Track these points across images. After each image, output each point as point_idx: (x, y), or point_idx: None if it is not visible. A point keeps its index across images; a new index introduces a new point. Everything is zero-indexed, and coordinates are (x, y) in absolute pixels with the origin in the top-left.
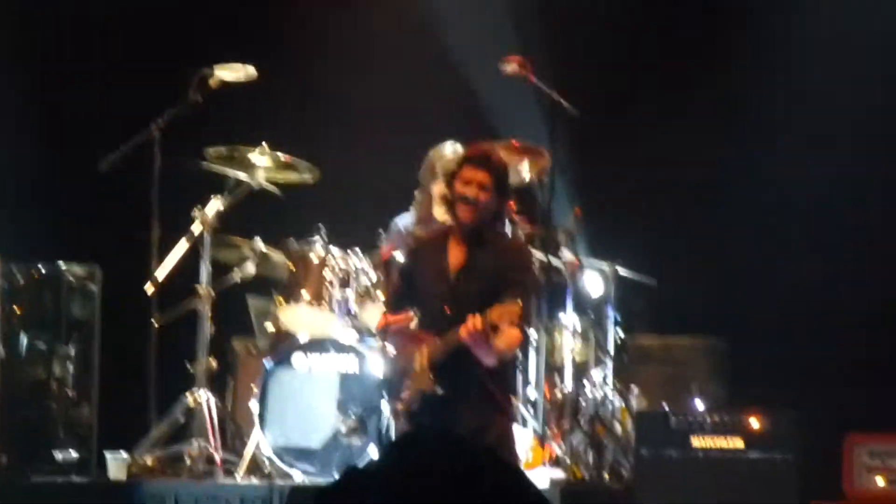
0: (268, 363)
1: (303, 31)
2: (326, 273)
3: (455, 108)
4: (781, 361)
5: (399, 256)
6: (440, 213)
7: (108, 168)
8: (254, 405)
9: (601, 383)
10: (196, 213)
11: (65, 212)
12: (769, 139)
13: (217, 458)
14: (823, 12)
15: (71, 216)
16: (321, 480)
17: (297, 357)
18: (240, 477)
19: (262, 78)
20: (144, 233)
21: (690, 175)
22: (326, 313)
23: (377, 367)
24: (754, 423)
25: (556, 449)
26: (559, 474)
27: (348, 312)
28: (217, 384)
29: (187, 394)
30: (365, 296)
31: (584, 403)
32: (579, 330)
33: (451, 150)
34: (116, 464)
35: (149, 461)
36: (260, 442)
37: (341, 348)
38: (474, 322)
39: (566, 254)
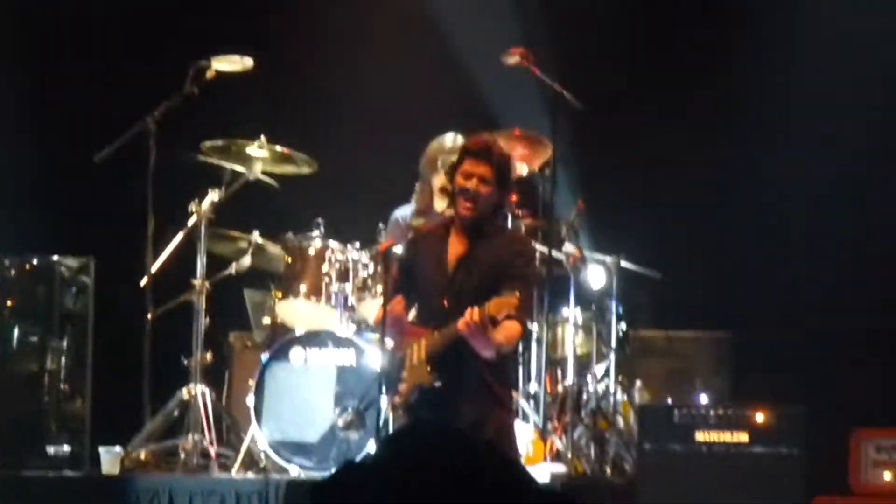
0: (264, 357)
1: (301, 21)
2: (324, 266)
3: (456, 99)
4: (787, 354)
5: (398, 249)
6: (441, 205)
7: (103, 160)
8: (250, 399)
9: (603, 377)
10: (192, 205)
11: (59, 204)
12: (773, 132)
13: (212, 452)
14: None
15: (65, 208)
16: (318, 475)
17: (294, 351)
18: (235, 471)
19: (260, 69)
20: (139, 225)
21: (694, 167)
22: (324, 307)
23: (375, 360)
24: (759, 417)
25: (558, 443)
26: (560, 469)
27: (346, 306)
28: (212, 378)
29: (182, 388)
30: (363, 289)
31: (585, 397)
32: (581, 323)
33: (451, 141)
34: (110, 458)
35: (143, 455)
36: (256, 436)
37: (339, 342)
38: (472, 315)
39: (568, 246)
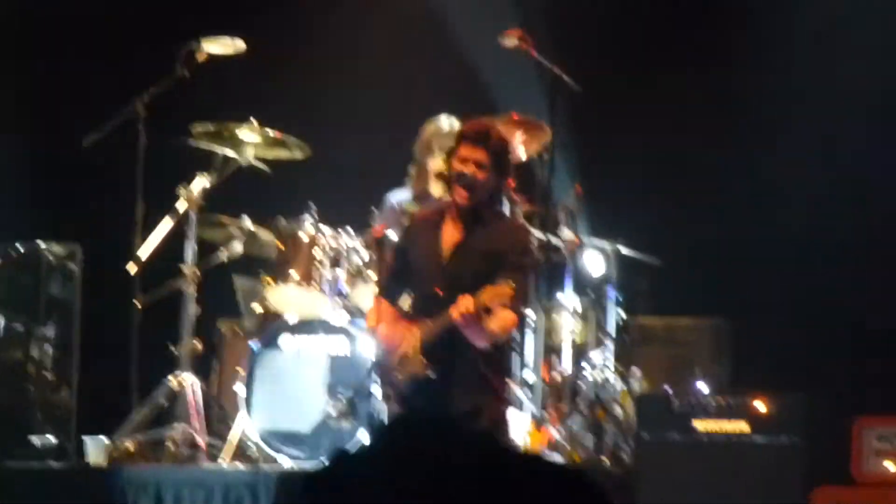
0: (255, 345)
1: (294, 2)
2: (316, 252)
3: (452, 82)
4: (788, 342)
5: (392, 235)
6: (436, 189)
7: (91, 144)
8: (240, 388)
9: (601, 365)
10: (181, 190)
11: (45, 189)
12: (774, 117)
13: (201, 442)
14: None
15: (51, 193)
16: (309, 466)
17: (285, 338)
18: (225, 462)
19: (252, 52)
20: (128, 211)
21: (694, 151)
22: (316, 294)
23: (368, 349)
24: (760, 406)
25: (555, 433)
26: (557, 459)
27: (339, 293)
28: (202, 366)
29: (170, 376)
30: (356, 275)
31: (583, 386)
32: (579, 310)
33: (446, 123)
34: (96, 449)
35: (130, 446)
36: (246, 426)
37: (331, 330)
38: (466, 304)
39: (566, 232)
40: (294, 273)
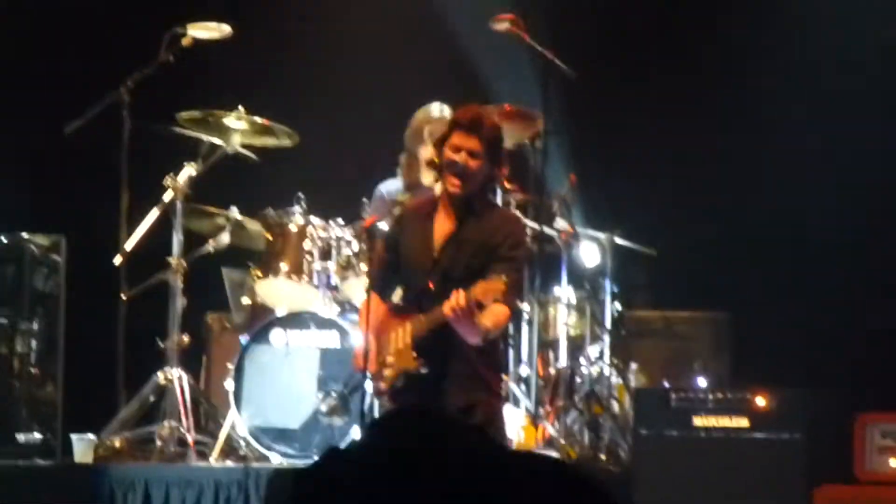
0: (244, 339)
1: None
2: (306, 244)
3: (443, 68)
4: (789, 336)
5: (383, 226)
6: (428, 179)
7: (74, 132)
8: (229, 383)
9: (598, 359)
10: (168, 180)
11: (28, 179)
12: (775, 106)
13: (190, 439)
14: None
15: (34, 183)
16: (300, 463)
17: (275, 332)
18: (214, 459)
19: (239, 37)
20: (113, 201)
21: (691, 139)
22: (306, 286)
23: (359, 342)
24: (760, 401)
25: (550, 429)
26: (553, 455)
27: (329, 285)
28: (190, 361)
29: (158, 372)
30: (347, 268)
31: (579, 381)
32: (574, 303)
33: (438, 111)
34: (83, 446)
35: (117, 443)
36: (235, 422)
37: (322, 323)
38: (458, 299)
39: (560, 223)
40: (283, 265)
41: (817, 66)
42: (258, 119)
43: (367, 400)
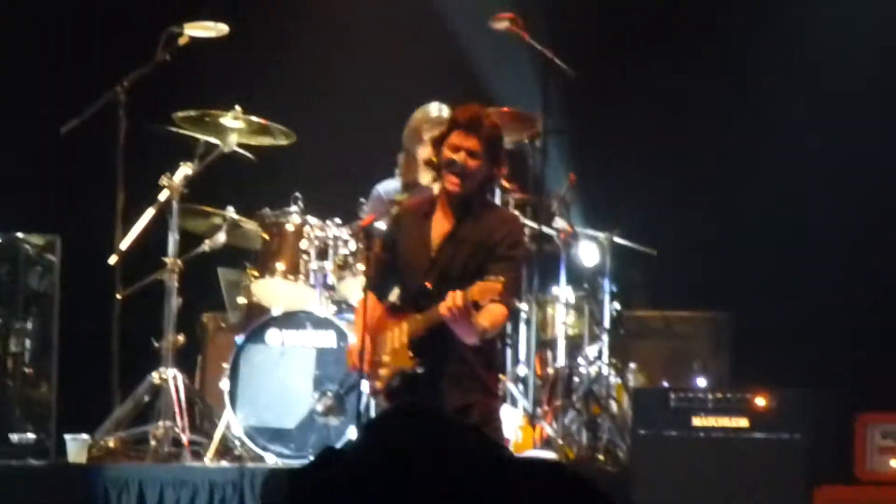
0: (239, 339)
1: None
2: (303, 243)
3: (442, 67)
4: (789, 336)
5: (381, 225)
6: (426, 179)
7: (70, 132)
8: (224, 383)
9: (596, 359)
10: (164, 180)
11: (23, 178)
12: (777, 103)
13: (184, 439)
14: None
15: (29, 183)
16: (296, 463)
17: (271, 332)
18: (209, 460)
19: (235, 36)
20: (108, 200)
21: (692, 138)
22: (302, 286)
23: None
24: (760, 401)
25: (548, 429)
26: (550, 456)
27: (326, 285)
28: (185, 361)
29: (153, 372)
30: (344, 267)
31: (577, 381)
32: (573, 302)
33: (436, 110)
34: (76, 446)
35: (111, 443)
36: (230, 422)
37: (318, 323)
38: (455, 299)
39: (559, 222)
40: (279, 264)
41: (818, 65)
42: (255, 118)
43: (363, 400)
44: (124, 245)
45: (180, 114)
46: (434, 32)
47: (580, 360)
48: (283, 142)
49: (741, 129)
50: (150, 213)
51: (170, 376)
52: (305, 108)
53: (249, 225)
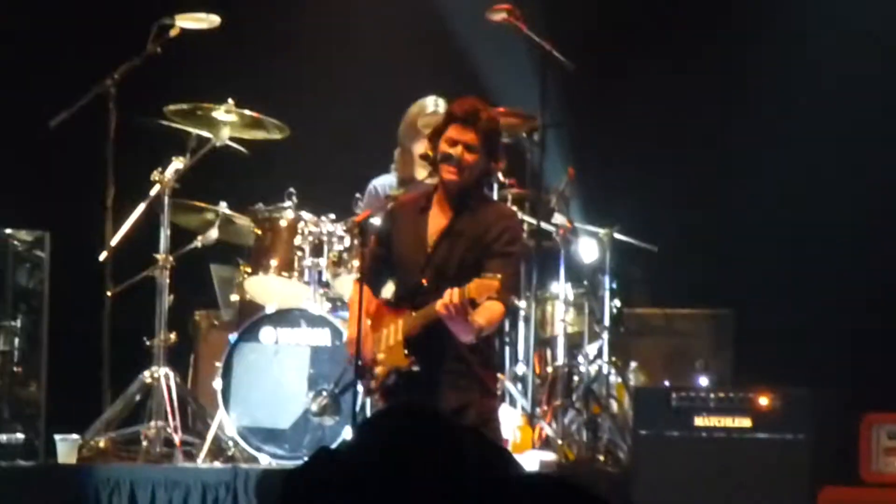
0: (232, 337)
1: None
2: (297, 239)
3: (438, 60)
4: (793, 334)
5: (375, 221)
6: (422, 174)
7: (59, 125)
8: (217, 382)
9: (596, 357)
10: (155, 174)
11: (11, 173)
12: (778, 98)
13: (176, 440)
14: None
15: (18, 178)
16: (290, 464)
17: (265, 330)
18: (201, 460)
19: (228, 28)
20: (98, 196)
21: (693, 132)
22: (296, 283)
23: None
24: (763, 401)
25: (547, 429)
26: (550, 456)
27: (320, 282)
28: (177, 360)
29: (144, 371)
30: (338, 264)
31: (577, 380)
32: (572, 300)
33: (433, 104)
34: (66, 446)
35: (102, 444)
36: (223, 422)
37: (312, 320)
38: (451, 297)
39: (558, 218)
40: (273, 261)
41: (820, 62)
42: (248, 112)
43: (359, 399)
44: (115, 241)
45: (172, 107)
46: (430, 26)
47: (580, 358)
48: (276, 136)
49: (743, 123)
50: (141, 208)
51: (161, 375)
52: (300, 101)
53: (242, 220)
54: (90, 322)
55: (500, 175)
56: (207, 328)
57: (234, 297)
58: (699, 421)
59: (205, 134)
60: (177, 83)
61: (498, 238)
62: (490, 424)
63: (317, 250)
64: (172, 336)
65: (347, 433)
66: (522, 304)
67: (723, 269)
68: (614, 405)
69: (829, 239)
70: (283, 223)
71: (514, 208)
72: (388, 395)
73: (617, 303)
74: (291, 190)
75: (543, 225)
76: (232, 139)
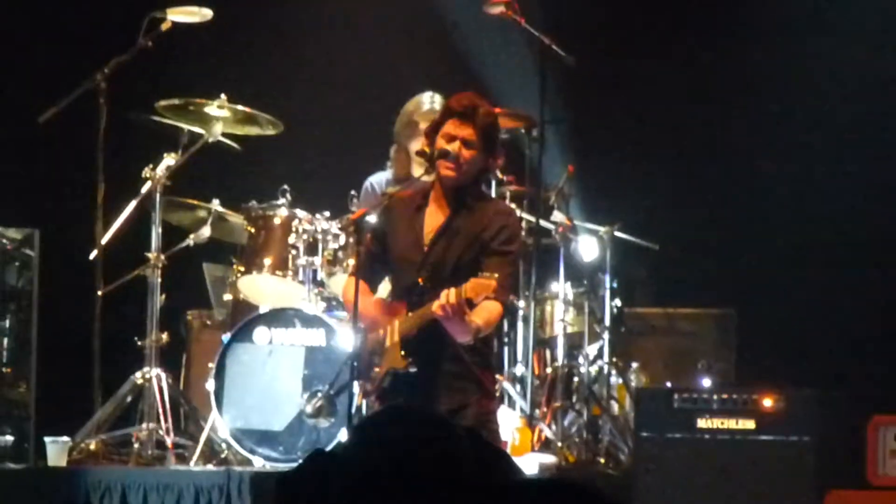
0: (225, 337)
1: None
2: (291, 238)
3: (436, 56)
4: (797, 334)
5: (371, 219)
6: (419, 171)
7: (48, 121)
8: (210, 384)
9: (597, 358)
10: (146, 171)
11: None
12: (783, 95)
13: (168, 442)
14: None
15: (6, 175)
16: (284, 467)
17: (258, 330)
18: (194, 463)
19: (220, 21)
20: (88, 193)
21: (695, 128)
22: (290, 282)
23: (346, 341)
24: (767, 402)
25: (546, 431)
26: (549, 459)
27: (315, 281)
28: (169, 360)
29: (136, 372)
30: (333, 263)
31: (577, 381)
32: (572, 299)
33: (429, 101)
34: (56, 449)
35: (92, 446)
36: (216, 424)
37: (307, 321)
38: (448, 296)
39: (558, 215)
40: (267, 260)
41: (823, 61)
42: (241, 107)
43: (355, 401)
44: (105, 239)
45: (163, 102)
46: (427, 20)
47: (580, 359)
48: (270, 132)
49: (747, 120)
50: (132, 206)
51: (153, 376)
52: (294, 96)
53: (235, 218)
54: (80, 322)
55: (498, 172)
56: (200, 328)
57: (227, 297)
58: (702, 423)
59: (197, 130)
60: (168, 78)
61: (496, 236)
62: (488, 426)
63: (311, 249)
64: (164, 336)
65: (343, 435)
66: (521, 303)
67: (726, 267)
68: (615, 407)
69: (835, 238)
70: (276, 221)
71: (513, 206)
72: (384, 397)
73: (618, 302)
74: (285, 187)
75: (542, 223)
76: (224, 135)
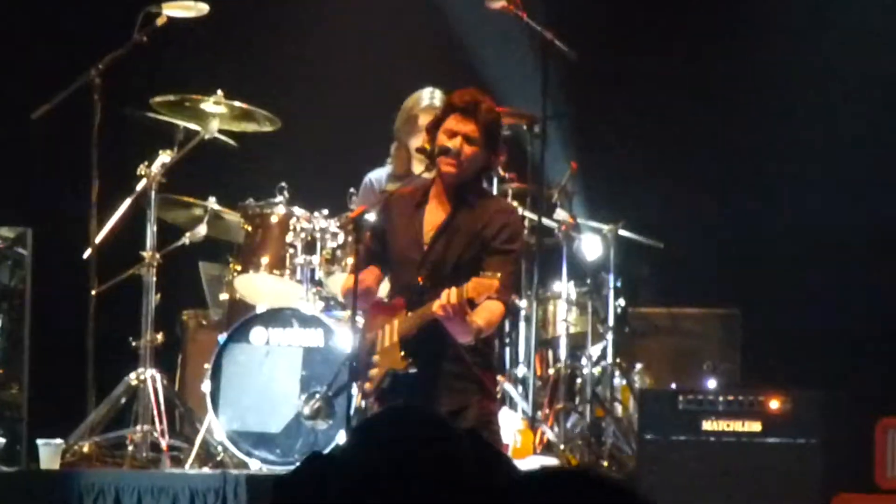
0: (221, 337)
1: None
2: (288, 236)
3: (436, 51)
4: (804, 335)
5: (371, 217)
6: (419, 168)
7: (41, 117)
8: (206, 385)
9: (600, 359)
10: (141, 169)
11: None
12: (787, 93)
13: (163, 444)
14: None
15: None
16: (281, 469)
17: (255, 330)
18: (189, 466)
19: (217, 16)
20: (82, 191)
21: (701, 125)
22: (288, 281)
23: (345, 341)
24: (773, 404)
25: (549, 433)
26: (551, 462)
27: (313, 280)
28: (164, 361)
29: (130, 373)
30: (331, 262)
31: (580, 382)
32: (575, 299)
33: (429, 97)
34: (49, 451)
35: (86, 448)
36: (212, 426)
37: (304, 321)
38: (449, 297)
39: (560, 213)
40: (264, 259)
41: (826, 61)
42: (238, 103)
43: (353, 402)
44: (100, 238)
45: (158, 98)
46: (428, 15)
47: (583, 359)
48: (267, 128)
49: (753, 116)
50: (126, 203)
51: (148, 377)
52: (291, 92)
53: (232, 216)
54: (74, 322)
55: (500, 169)
56: (195, 328)
57: (224, 296)
58: (707, 425)
59: (193, 126)
60: (164, 74)
61: (497, 234)
62: (489, 427)
63: (309, 247)
64: (159, 336)
65: (341, 437)
66: (523, 303)
67: (731, 266)
68: (619, 408)
69: (841, 238)
70: (274, 219)
71: (515, 203)
72: (383, 399)
73: (621, 302)
74: (283, 184)
75: (545, 221)
76: (221, 132)
